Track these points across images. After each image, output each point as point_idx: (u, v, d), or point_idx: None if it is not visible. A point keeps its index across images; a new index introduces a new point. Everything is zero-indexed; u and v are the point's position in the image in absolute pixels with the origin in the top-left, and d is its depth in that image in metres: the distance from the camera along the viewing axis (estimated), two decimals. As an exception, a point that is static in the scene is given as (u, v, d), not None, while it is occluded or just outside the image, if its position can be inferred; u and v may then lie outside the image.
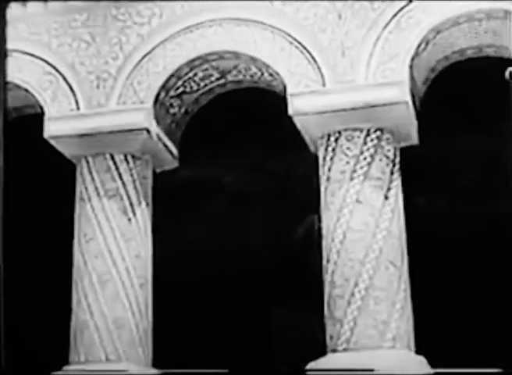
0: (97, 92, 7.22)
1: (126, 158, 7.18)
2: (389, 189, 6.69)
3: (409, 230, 6.75)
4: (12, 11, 6.68)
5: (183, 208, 8.53)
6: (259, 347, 8.41)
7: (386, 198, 6.65)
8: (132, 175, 7.17)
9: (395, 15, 6.77)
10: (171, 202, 8.07)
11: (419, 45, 6.75)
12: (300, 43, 6.93)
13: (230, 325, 8.45)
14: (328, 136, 6.83)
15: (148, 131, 7.12)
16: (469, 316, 8.12)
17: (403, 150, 6.92)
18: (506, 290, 8.10)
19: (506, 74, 7.49)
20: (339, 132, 6.79)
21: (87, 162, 7.19)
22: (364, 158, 6.71)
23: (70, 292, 7.02)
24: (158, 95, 7.20)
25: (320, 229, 6.80)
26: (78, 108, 7.21)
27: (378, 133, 6.77)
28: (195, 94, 7.54)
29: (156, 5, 7.27)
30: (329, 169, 6.77)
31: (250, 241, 8.51)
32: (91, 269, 6.94)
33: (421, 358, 6.36)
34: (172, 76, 7.22)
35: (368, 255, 6.49)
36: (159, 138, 7.25)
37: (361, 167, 6.69)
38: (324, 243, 6.68)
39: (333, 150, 6.79)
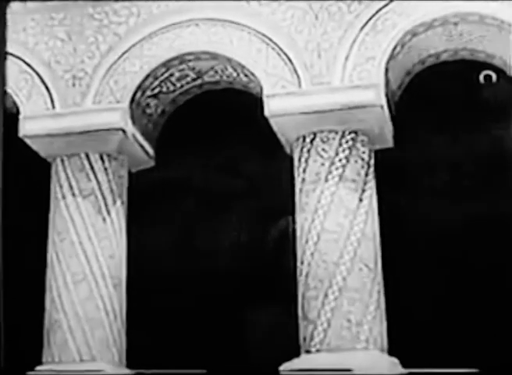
0: (73, 91, 7.21)
1: (101, 158, 7.16)
2: (363, 191, 6.72)
3: (383, 231, 6.78)
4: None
5: (159, 208, 8.52)
6: (233, 348, 8.41)
7: (361, 199, 6.68)
8: (107, 175, 7.15)
9: (371, 17, 6.80)
10: (146, 202, 8.06)
11: (395, 48, 6.78)
12: (276, 44, 6.94)
13: (204, 326, 8.45)
14: (304, 137, 6.85)
15: (124, 131, 7.10)
16: (443, 316, 8.17)
17: (377, 152, 6.96)
18: (480, 291, 8.17)
19: (481, 77, 7.57)
20: (315, 133, 6.81)
21: (62, 161, 7.17)
22: (339, 160, 6.74)
23: (44, 291, 7.00)
24: (134, 95, 7.19)
25: (294, 230, 6.82)
26: (53, 107, 7.18)
27: (353, 135, 6.79)
28: (171, 95, 7.53)
29: (133, 4, 7.26)
30: (304, 171, 6.79)
31: (224, 242, 8.52)
32: (65, 268, 6.92)
33: (394, 360, 6.40)
34: (148, 76, 7.21)
35: (342, 257, 6.52)
36: (135, 138, 7.25)
37: (336, 169, 6.71)
38: (298, 244, 6.70)
39: (308, 151, 6.81)
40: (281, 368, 6.41)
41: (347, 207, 6.63)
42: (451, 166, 8.27)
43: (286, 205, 7.04)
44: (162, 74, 7.29)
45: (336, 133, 6.79)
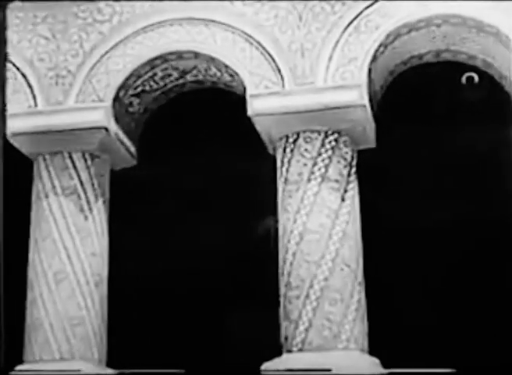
0: (56, 89, 7.20)
1: (83, 156, 7.16)
2: (345, 191, 6.74)
3: (365, 232, 6.81)
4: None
5: (141, 207, 8.51)
6: (214, 347, 8.41)
7: (343, 200, 6.70)
8: (89, 173, 7.15)
9: (354, 18, 6.83)
10: (128, 201, 8.05)
11: (378, 49, 6.81)
12: (260, 44, 6.95)
13: (185, 325, 8.44)
14: (287, 137, 6.86)
15: (107, 130, 7.11)
16: (424, 317, 8.20)
17: (360, 152, 6.99)
18: (461, 291, 8.20)
19: (463, 79, 7.60)
20: (298, 134, 6.83)
21: (45, 159, 7.16)
22: (322, 160, 6.76)
23: (25, 290, 6.99)
24: (117, 94, 7.19)
25: (277, 230, 6.84)
26: (36, 106, 7.17)
27: (336, 135, 6.81)
28: (155, 94, 7.53)
29: (117, 3, 7.25)
30: (287, 171, 6.81)
31: (206, 241, 8.51)
32: (47, 266, 6.92)
33: (375, 360, 6.43)
34: (131, 74, 7.21)
35: (323, 257, 6.54)
36: (118, 137, 7.24)
37: (319, 169, 6.73)
38: (280, 244, 6.72)
39: (291, 151, 6.83)
40: (262, 368, 6.43)
41: (330, 207, 6.65)
42: (434, 167, 8.29)
43: (269, 205, 7.05)
44: (146, 73, 7.29)
45: (319, 133, 6.81)
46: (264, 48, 6.94)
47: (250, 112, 6.86)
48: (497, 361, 7.75)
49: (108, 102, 7.13)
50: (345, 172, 6.77)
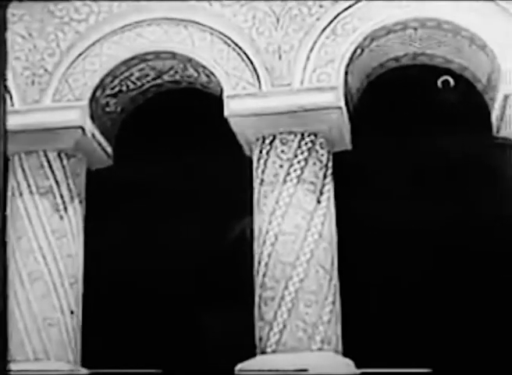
0: (32, 88, 7.17)
1: (59, 156, 7.14)
2: (321, 193, 6.76)
3: (340, 234, 6.83)
4: None
5: (117, 207, 8.49)
6: (189, 348, 8.41)
7: (319, 201, 6.72)
8: (65, 173, 7.13)
9: (332, 21, 6.85)
10: (104, 201, 8.03)
11: (354, 51, 6.84)
12: (237, 45, 6.97)
13: (161, 325, 8.43)
14: (263, 139, 6.88)
15: (83, 129, 7.09)
16: (399, 318, 8.23)
17: (336, 154, 7.01)
18: (435, 293, 8.25)
19: (439, 82, 7.65)
20: (274, 135, 6.84)
21: (20, 158, 7.14)
22: (298, 162, 6.78)
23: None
24: (94, 93, 7.17)
25: (252, 231, 6.85)
26: (12, 105, 7.14)
27: (313, 137, 6.83)
28: (131, 94, 7.52)
29: (94, 2, 7.24)
30: (263, 172, 6.82)
31: (182, 242, 8.51)
32: (21, 266, 6.89)
33: (348, 361, 6.45)
34: (108, 74, 7.20)
35: (298, 258, 6.56)
36: (94, 136, 7.23)
37: (295, 170, 6.75)
38: (255, 245, 6.73)
39: (267, 153, 6.84)
40: (236, 368, 6.44)
41: (305, 209, 6.67)
42: (409, 169, 8.33)
43: (245, 206, 7.06)
44: (122, 73, 7.28)
45: (295, 135, 6.83)
46: (241, 50, 6.95)
47: (226, 113, 6.87)
48: (471, 362, 7.82)
49: (85, 102, 7.12)
50: (321, 174, 6.80)
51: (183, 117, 8.10)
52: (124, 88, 7.42)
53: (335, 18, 6.85)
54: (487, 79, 6.98)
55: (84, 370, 6.93)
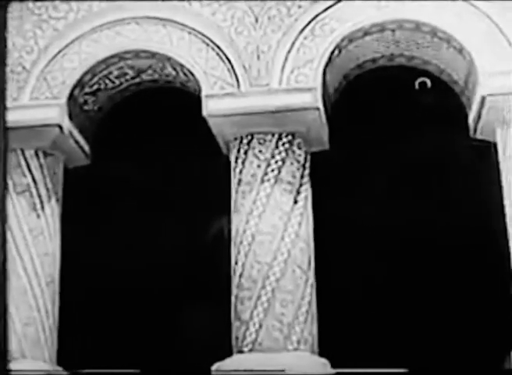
0: (10, 86, 7.13)
1: (36, 154, 7.11)
2: (298, 193, 6.78)
3: (317, 234, 6.85)
4: None
5: (94, 206, 8.48)
6: (167, 347, 8.41)
7: (296, 201, 6.74)
8: (42, 171, 7.11)
9: (310, 21, 6.87)
10: (82, 200, 8.01)
11: (333, 52, 6.85)
12: (216, 45, 6.96)
13: (139, 325, 8.43)
14: (241, 138, 6.88)
15: (61, 127, 7.07)
16: (375, 318, 8.27)
17: (314, 155, 7.03)
18: (411, 294, 8.29)
19: (416, 84, 7.68)
20: (252, 135, 6.85)
21: (-3, 156, 7.11)
22: (276, 162, 6.79)
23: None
24: (72, 91, 7.15)
25: (230, 231, 6.85)
26: (-11, 102, 7.11)
27: (290, 137, 6.85)
28: (110, 92, 7.50)
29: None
30: (241, 172, 6.83)
31: (160, 242, 8.51)
32: (-2, 265, 6.87)
33: (324, 361, 6.47)
34: (87, 72, 7.18)
35: (275, 258, 6.57)
36: (71, 135, 7.21)
37: (272, 170, 6.76)
38: (233, 245, 6.73)
39: (245, 153, 6.85)
40: (213, 368, 6.45)
41: (282, 209, 6.68)
42: (386, 170, 8.37)
43: (223, 206, 7.06)
44: (101, 71, 7.26)
45: (273, 135, 6.84)
46: (220, 49, 6.95)
47: (205, 113, 6.87)
48: (447, 360, 7.87)
49: (63, 100, 7.10)
50: (298, 174, 6.81)
51: (161, 116, 8.10)
52: (103, 87, 7.40)
53: (313, 19, 6.87)
54: (464, 81, 7.01)
55: (60, 369, 6.92)
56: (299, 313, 6.49)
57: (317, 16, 6.85)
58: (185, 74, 7.15)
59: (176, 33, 7.03)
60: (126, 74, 7.39)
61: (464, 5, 6.70)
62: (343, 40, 6.84)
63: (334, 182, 8.09)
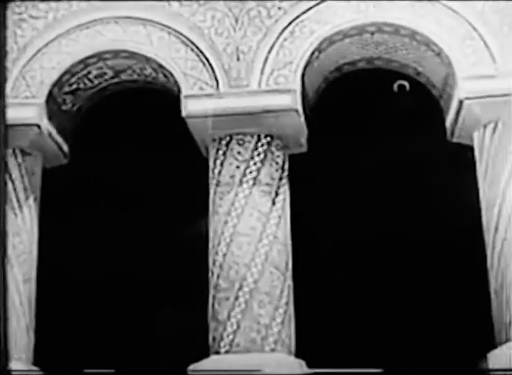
0: (-12, 85, 7.11)
1: (14, 153, 7.10)
2: (277, 195, 6.79)
3: (295, 235, 6.87)
4: None
5: (72, 206, 8.46)
6: (143, 348, 8.41)
7: (274, 203, 6.75)
8: (20, 170, 7.09)
9: (290, 23, 6.88)
10: (60, 199, 8.00)
11: (312, 54, 6.87)
12: (195, 45, 6.97)
13: (114, 325, 8.42)
14: (220, 139, 6.89)
15: (39, 127, 7.05)
16: (352, 319, 8.30)
17: (292, 157, 7.05)
18: (388, 295, 8.33)
19: (395, 87, 7.71)
20: (231, 136, 6.86)
21: (-25, 155, 7.09)
22: (254, 164, 6.80)
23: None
24: (51, 91, 7.13)
25: (208, 232, 6.86)
26: (-32, 101, 7.08)
27: (269, 139, 6.86)
28: (89, 92, 7.49)
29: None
30: (219, 173, 6.83)
31: (138, 242, 8.50)
32: (-26, 264, 6.84)
33: (301, 362, 6.49)
34: (65, 72, 7.16)
35: (253, 259, 6.58)
36: (50, 134, 7.19)
37: (251, 172, 6.77)
38: (211, 246, 6.74)
39: (224, 154, 6.86)
40: (189, 368, 6.45)
41: (260, 210, 6.69)
42: (364, 172, 8.40)
43: (201, 207, 7.07)
44: (80, 71, 7.24)
45: (252, 136, 6.85)
46: (199, 50, 6.95)
47: (184, 114, 6.87)
48: (422, 361, 7.91)
49: (42, 99, 7.08)
50: (276, 175, 6.83)
51: (140, 116, 8.09)
52: (82, 86, 7.39)
53: (293, 20, 6.88)
54: (442, 84, 7.06)
55: (36, 369, 6.90)
56: (276, 314, 6.51)
57: (297, 17, 6.87)
58: (164, 75, 7.14)
59: (156, 33, 7.03)
60: (105, 74, 7.38)
61: (443, 9, 6.73)
62: (322, 42, 6.86)
63: (312, 184, 8.11)
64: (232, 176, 6.77)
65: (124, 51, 7.11)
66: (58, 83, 7.17)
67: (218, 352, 6.49)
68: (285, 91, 6.78)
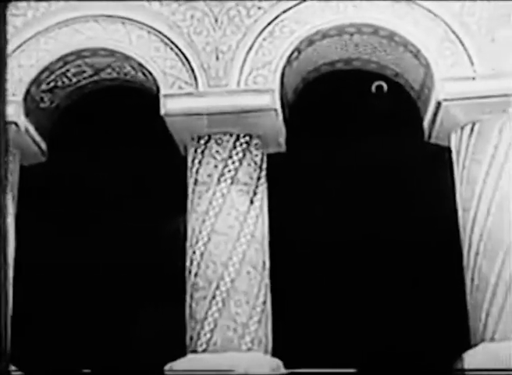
0: (-34, 82, 7.07)
1: (-9, 151, 7.06)
2: (255, 194, 6.80)
3: (272, 235, 6.88)
4: None
5: (50, 204, 8.44)
6: (120, 347, 8.39)
7: (252, 202, 6.76)
8: (-3, 168, 7.05)
9: (269, 23, 6.89)
10: (38, 197, 7.97)
11: (291, 54, 6.88)
12: (175, 44, 6.96)
13: (91, 324, 8.40)
14: (198, 138, 6.89)
15: (17, 125, 7.02)
16: (328, 319, 8.32)
17: (270, 156, 7.06)
18: (365, 295, 8.36)
19: (373, 88, 7.74)
20: (209, 135, 6.86)
21: (-48, 153, 7.04)
22: (233, 163, 6.80)
23: None
24: (29, 89, 7.11)
25: (186, 230, 6.86)
26: None
27: (248, 138, 6.87)
28: (67, 90, 7.46)
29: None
30: (197, 172, 6.83)
31: (116, 241, 8.49)
32: (-49, 262, 6.79)
33: (277, 361, 6.50)
34: (44, 70, 7.13)
35: (231, 259, 6.59)
36: (28, 132, 7.16)
37: (229, 171, 6.78)
38: (188, 245, 6.74)
39: (202, 153, 6.86)
40: (166, 367, 6.44)
41: (238, 209, 6.70)
42: (342, 172, 8.43)
43: (179, 206, 7.06)
44: (59, 69, 7.22)
45: (231, 135, 6.86)
46: (179, 49, 6.95)
47: (162, 112, 6.86)
48: (398, 361, 7.94)
49: (20, 97, 7.05)
50: (255, 175, 6.84)
51: (119, 115, 8.08)
52: (60, 84, 7.36)
53: (273, 20, 6.89)
54: (420, 85, 7.09)
55: (13, 368, 6.86)
56: (253, 313, 6.52)
57: (276, 17, 6.88)
58: (143, 73, 7.13)
59: (135, 31, 7.02)
60: (83, 72, 7.36)
61: (421, 11, 6.76)
62: (301, 42, 6.87)
63: (290, 183, 8.13)
64: (210, 175, 6.77)
65: (103, 49, 7.10)
66: (37, 81, 7.15)
67: (195, 351, 6.49)
68: (264, 90, 6.79)
